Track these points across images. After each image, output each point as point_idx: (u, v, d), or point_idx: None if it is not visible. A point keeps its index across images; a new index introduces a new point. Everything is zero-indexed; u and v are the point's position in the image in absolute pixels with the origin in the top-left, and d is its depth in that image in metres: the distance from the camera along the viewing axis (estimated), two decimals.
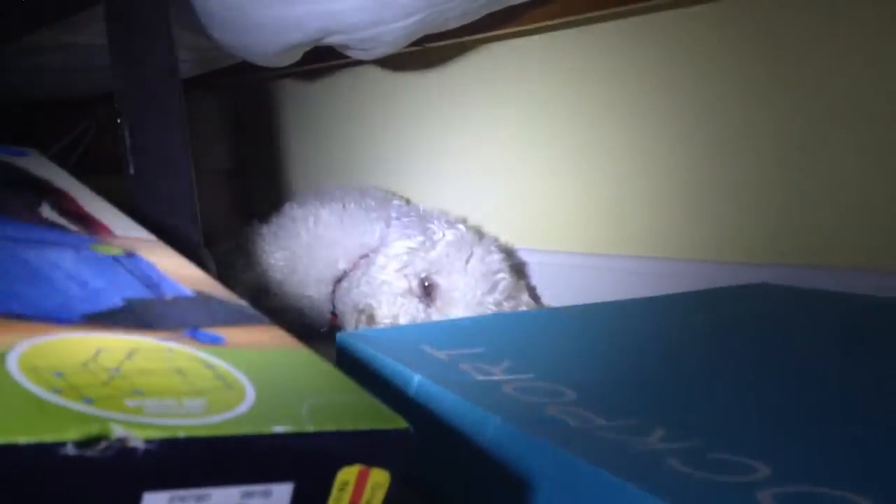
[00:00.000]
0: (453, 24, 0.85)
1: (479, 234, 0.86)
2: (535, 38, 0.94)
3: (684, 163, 0.82)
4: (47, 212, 0.41)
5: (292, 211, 0.95)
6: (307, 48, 0.92)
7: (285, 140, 1.37)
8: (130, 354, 0.26)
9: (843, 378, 0.44)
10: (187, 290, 0.34)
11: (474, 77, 1.02)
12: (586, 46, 0.89)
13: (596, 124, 0.89)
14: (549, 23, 0.87)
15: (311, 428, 0.24)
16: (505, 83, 0.99)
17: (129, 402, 0.22)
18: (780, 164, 0.75)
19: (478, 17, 0.84)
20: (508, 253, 0.89)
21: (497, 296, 0.79)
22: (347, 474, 0.24)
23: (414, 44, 0.90)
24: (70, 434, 0.20)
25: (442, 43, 0.95)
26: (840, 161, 0.71)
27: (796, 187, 0.74)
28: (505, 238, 0.95)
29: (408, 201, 1.01)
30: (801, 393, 0.41)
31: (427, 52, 1.01)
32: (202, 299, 0.33)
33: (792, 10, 0.72)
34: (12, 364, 0.23)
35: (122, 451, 0.20)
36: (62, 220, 0.40)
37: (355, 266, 0.85)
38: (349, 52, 0.93)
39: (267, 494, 0.23)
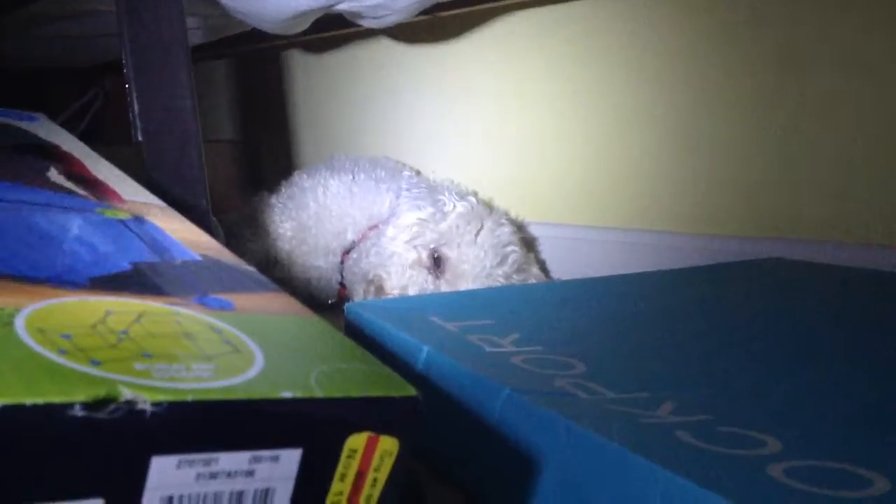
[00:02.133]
0: None
1: (490, 206, 0.86)
2: (549, 7, 0.93)
3: (700, 136, 0.81)
4: (55, 176, 0.40)
5: (301, 181, 0.94)
6: (317, 15, 0.91)
7: (296, 110, 1.36)
8: (139, 318, 0.25)
9: (853, 353, 0.43)
10: (196, 255, 0.34)
11: (487, 47, 1.01)
12: (600, 15, 0.88)
13: (610, 96, 0.89)
14: None
15: (319, 394, 0.24)
16: (517, 53, 0.98)
17: (138, 366, 0.22)
18: (794, 136, 0.74)
19: None
20: (519, 226, 0.88)
21: (506, 268, 0.79)
22: (356, 441, 0.24)
23: (425, 12, 0.89)
24: (78, 396, 0.20)
25: (454, 12, 0.94)
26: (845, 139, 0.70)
27: (809, 162, 0.73)
28: (516, 211, 0.94)
29: (418, 173, 1.01)
30: (811, 367, 0.41)
31: (438, 21, 1.00)
32: (211, 264, 0.33)
33: None
34: (20, 326, 0.23)
35: (131, 414, 0.20)
36: (70, 184, 0.40)
37: (364, 237, 0.85)
38: (360, 21, 0.92)
39: (275, 460, 0.23)
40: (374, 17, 0.88)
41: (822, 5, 0.71)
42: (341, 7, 0.86)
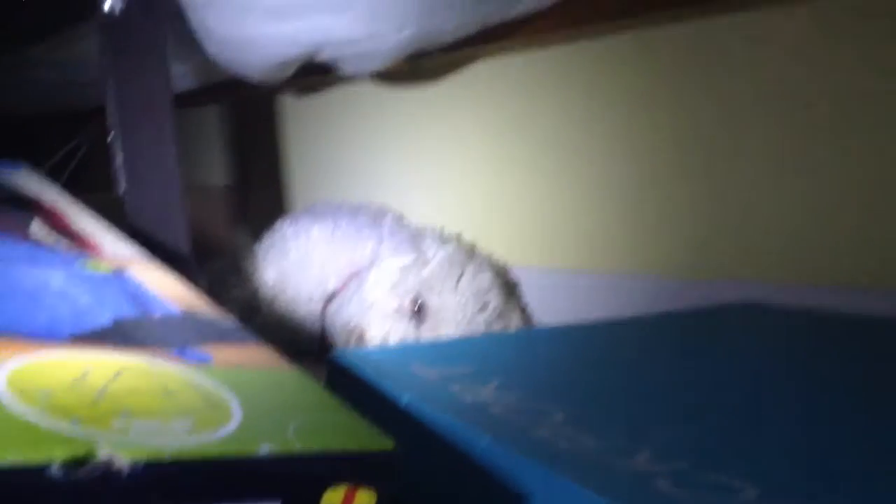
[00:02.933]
0: (447, 39, 0.86)
1: (472, 251, 0.86)
2: (528, 53, 0.94)
3: (680, 182, 0.82)
4: (37, 229, 0.41)
5: (284, 228, 0.95)
6: (300, 63, 0.92)
7: (286, 155, 1.37)
8: (118, 374, 0.26)
9: (829, 398, 0.44)
10: (176, 309, 0.34)
11: (468, 93, 1.03)
12: (582, 62, 0.90)
13: (592, 140, 0.90)
14: (545, 37, 0.88)
15: (297, 448, 0.24)
16: (499, 99, 0.99)
17: (116, 423, 0.22)
18: (770, 182, 0.75)
19: (472, 31, 0.85)
20: (501, 271, 0.89)
21: (488, 315, 0.79)
22: (334, 495, 0.24)
23: (407, 60, 0.91)
24: (56, 455, 0.20)
25: (436, 58, 0.95)
26: (826, 179, 0.71)
27: (783, 206, 0.74)
28: (499, 255, 0.95)
29: (401, 217, 1.01)
30: (788, 413, 0.41)
31: (422, 67, 1.02)
32: (190, 318, 0.33)
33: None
34: None
35: (108, 473, 0.20)
36: (52, 239, 0.40)
37: (346, 284, 0.85)
38: (342, 68, 0.93)
39: None
40: (356, 65, 0.90)
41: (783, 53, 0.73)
42: (324, 55, 0.87)
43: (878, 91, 0.68)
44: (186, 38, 0.85)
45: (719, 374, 0.50)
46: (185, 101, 1.30)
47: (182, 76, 1.13)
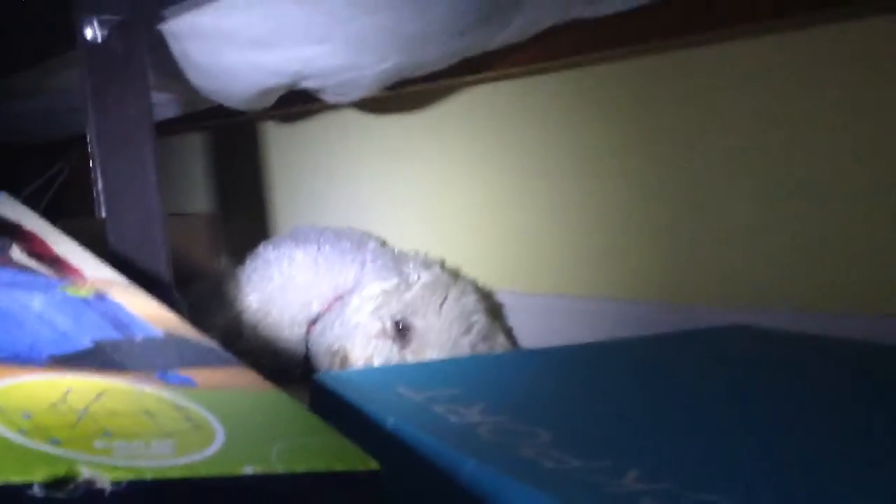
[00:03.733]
0: (428, 69, 0.86)
1: (456, 275, 0.86)
2: (511, 82, 0.95)
3: (662, 207, 0.82)
4: (17, 254, 0.40)
5: (266, 253, 0.95)
6: (281, 92, 0.92)
7: (269, 182, 1.37)
8: (99, 396, 0.25)
9: (816, 421, 0.44)
10: (157, 332, 0.34)
11: (451, 120, 1.03)
12: (562, 91, 0.91)
13: (573, 167, 0.90)
14: (524, 68, 0.89)
15: (280, 469, 0.24)
16: (482, 127, 1.00)
17: (98, 444, 0.22)
18: (767, 209, 0.76)
19: (452, 62, 0.85)
20: (486, 295, 0.89)
21: (472, 337, 0.79)
22: None
23: (389, 88, 0.91)
24: (37, 475, 0.20)
25: (417, 87, 0.96)
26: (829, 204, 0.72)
27: (764, 232, 0.75)
28: (483, 280, 0.95)
29: (384, 242, 1.01)
30: (774, 435, 0.41)
31: (404, 95, 1.02)
32: (172, 341, 0.33)
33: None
34: None
35: (90, 493, 0.20)
36: (32, 263, 0.40)
37: (329, 308, 0.85)
38: (324, 97, 0.94)
39: None
40: (339, 94, 0.90)
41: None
42: (306, 84, 0.88)
43: (862, 116, 0.69)
44: (169, 67, 0.85)
45: (706, 395, 0.50)
46: (168, 128, 1.30)
47: (164, 104, 1.13)
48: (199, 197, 1.52)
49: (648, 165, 0.83)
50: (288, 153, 1.32)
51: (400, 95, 1.02)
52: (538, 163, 0.94)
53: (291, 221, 1.31)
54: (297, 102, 1.03)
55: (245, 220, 1.42)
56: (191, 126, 1.38)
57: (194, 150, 1.53)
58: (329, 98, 0.94)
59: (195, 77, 0.87)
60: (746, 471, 0.36)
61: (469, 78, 0.94)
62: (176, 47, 0.81)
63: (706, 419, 0.44)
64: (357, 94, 0.90)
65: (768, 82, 0.74)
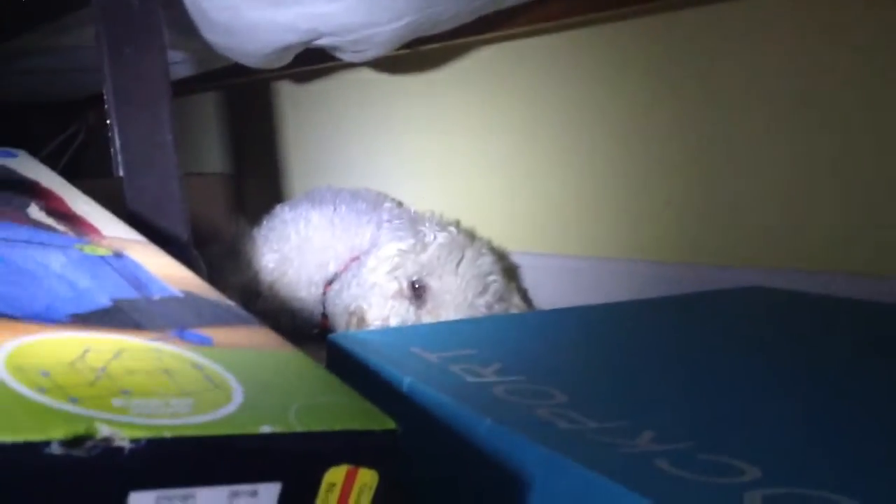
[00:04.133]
0: (445, 27, 0.85)
1: (472, 236, 0.86)
2: (527, 40, 0.94)
3: (679, 166, 0.82)
4: (35, 213, 0.41)
5: (283, 213, 0.95)
6: (298, 50, 0.92)
7: (285, 142, 1.37)
8: (117, 354, 0.26)
9: (832, 380, 0.44)
10: (175, 291, 0.34)
11: (467, 80, 1.02)
12: (578, 49, 0.89)
13: (590, 126, 0.89)
14: (541, 26, 0.88)
15: (298, 428, 0.24)
16: (498, 85, 0.99)
17: (116, 402, 0.22)
18: (764, 168, 0.75)
19: (468, 20, 0.84)
20: (501, 255, 0.88)
21: (488, 298, 0.79)
22: (335, 475, 0.24)
23: (406, 46, 0.90)
24: (56, 433, 0.20)
25: (433, 45, 0.95)
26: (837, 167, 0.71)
27: (777, 192, 0.74)
28: (498, 240, 0.95)
29: (400, 203, 1.01)
30: (791, 395, 0.41)
31: (420, 54, 1.01)
32: (190, 300, 0.33)
33: None
34: None
35: (108, 451, 0.20)
36: (50, 221, 0.40)
37: (346, 268, 0.85)
38: (340, 55, 0.93)
39: (254, 494, 0.23)
40: (354, 52, 0.89)
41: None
42: (322, 42, 0.87)
43: (876, 81, 0.68)
44: (184, 24, 0.84)
45: (721, 356, 0.50)
46: (185, 88, 1.29)
47: (181, 63, 1.13)
48: (215, 157, 1.52)
49: (662, 127, 0.82)
50: (304, 113, 1.32)
51: (416, 54, 1.01)
52: (555, 123, 0.93)
53: (308, 182, 1.31)
54: (314, 61, 1.02)
55: (262, 180, 1.42)
56: (207, 85, 1.38)
57: (211, 110, 1.52)
58: (345, 56, 0.93)
59: (210, 34, 0.87)
60: (762, 431, 0.36)
61: (486, 36, 0.93)
62: (191, 4, 0.80)
63: (721, 380, 0.44)
64: (373, 53, 0.89)
65: (796, 42, 0.72)
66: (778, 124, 0.74)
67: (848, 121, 0.70)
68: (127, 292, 0.32)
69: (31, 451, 0.19)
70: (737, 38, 0.76)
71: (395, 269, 0.78)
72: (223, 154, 1.51)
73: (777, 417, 0.38)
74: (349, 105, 1.22)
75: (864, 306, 0.62)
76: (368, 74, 1.16)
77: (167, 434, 0.21)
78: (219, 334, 0.30)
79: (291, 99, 1.34)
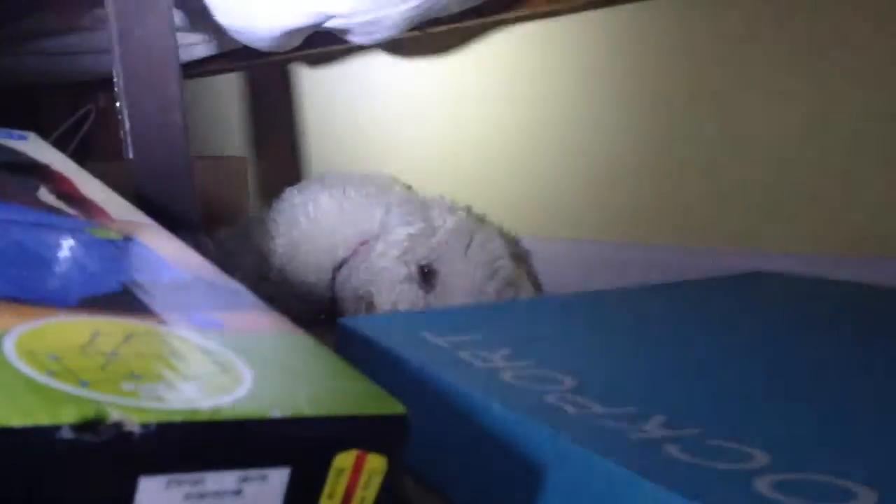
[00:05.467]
0: (455, 9, 0.85)
1: (481, 221, 0.86)
2: (541, 22, 0.93)
3: (691, 151, 0.81)
4: (45, 195, 0.41)
5: (292, 197, 0.95)
6: (307, 33, 0.91)
7: (301, 125, 1.36)
8: (127, 338, 0.26)
9: (842, 366, 0.44)
10: (185, 275, 0.34)
11: (481, 62, 1.02)
12: (589, 32, 0.89)
13: (601, 111, 0.89)
14: (556, 6, 0.87)
15: (308, 413, 0.24)
16: (511, 69, 0.98)
17: (126, 386, 0.22)
18: (779, 151, 0.74)
19: (479, 1, 0.84)
20: (511, 240, 0.88)
21: (497, 283, 0.79)
22: (344, 460, 0.24)
23: (416, 28, 0.90)
24: (66, 417, 0.20)
25: (443, 28, 0.94)
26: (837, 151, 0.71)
27: (789, 177, 0.74)
28: (508, 225, 0.94)
29: (409, 188, 1.01)
30: (800, 381, 0.41)
31: (432, 36, 1.01)
32: (200, 283, 0.33)
33: None
34: (8, 347, 0.23)
35: (118, 435, 0.20)
36: (60, 204, 0.40)
37: (355, 253, 0.85)
38: (350, 37, 0.93)
39: (263, 479, 0.23)
40: (364, 34, 0.89)
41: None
42: (331, 24, 0.87)
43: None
44: (198, 6, 0.84)
45: (730, 341, 0.50)
46: (198, 70, 1.29)
47: (195, 45, 1.13)
48: (228, 140, 1.52)
49: (674, 110, 0.82)
50: (318, 96, 1.32)
51: (428, 37, 1.01)
52: (567, 107, 0.92)
53: (321, 165, 1.31)
54: (326, 44, 1.02)
55: (275, 163, 1.42)
56: (221, 68, 1.37)
57: (224, 93, 1.52)
58: (355, 39, 0.93)
59: (221, 16, 0.87)
60: (771, 417, 0.36)
61: (499, 17, 0.92)
62: None
63: (731, 365, 0.44)
64: (383, 35, 0.89)
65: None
66: (796, 101, 0.74)
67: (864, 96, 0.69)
68: (137, 276, 0.32)
69: (42, 436, 0.19)
70: (754, 18, 0.76)
71: (404, 253, 0.78)
72: (237, 136, 1.51)
73: (786, 403, 0.38)
74: (361, 88, 1.22)
75: (876, 290, 0.62)
76: (381, 57, 1.15)
77: (177, 419, 0.21)
78: (228, 318, 0.30)
79: (306, 82, 1.34)
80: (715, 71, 0.79)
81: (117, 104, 0.69)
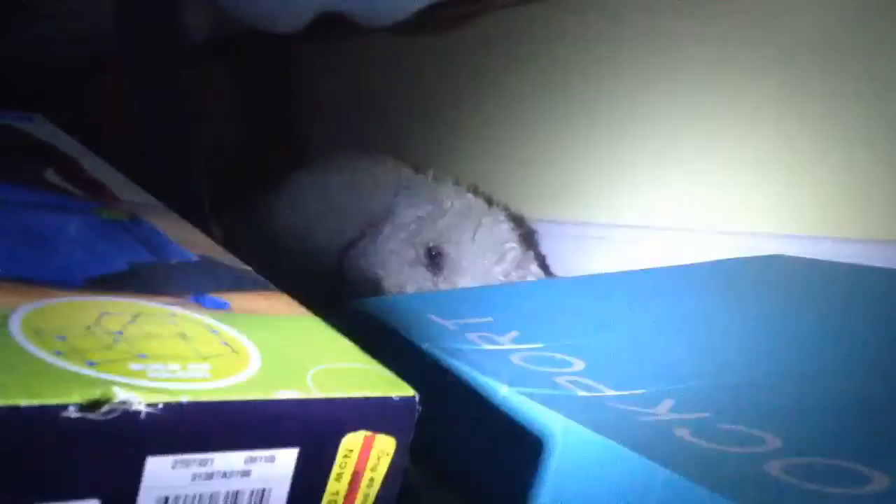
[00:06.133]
0: None
1: (489, 202, 0.86)
2: (542, 4, 0.93)
3: (703, 127, 0.81)
4: (52, 176, 0.40)
5: (300, 179, 0.94)
6: (313, 15, 0.91)
7: (304, 108, 1.36)
8: (134, 318, 0.25)
9: (855, 350, 0.43)
10: (192, 255, 0.34)
11: (487, 43, 1.01)
12: (593, 13, 0.88)
13: (603, 91, 0.88)
14: None
15: (316, 393, 0.24)
16: (517, 49, 0.98)
17: (133, 366, 0.22)
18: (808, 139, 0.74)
19: None
20: (519, 222, 0.88)
21: (505, 265, 0.79)
22: (353, 441, 0.24)
23: (423, 11, 0.89)
24: (73, 397, 0.20)
25: (453, 9, 0.94)
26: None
27: (810, 159, 0.73)
28: (516, 207, 0.94)
29: (417, 169, 1.01)
30: (812, 364, 0.41)
31: (439, 18, 1.00)
32: (207, 264, 0.33)
33: None
34: (15, 327, 0.23)
35: (125, 415, 0.20)
36: (67, 185, 0.40)
37: (362, 235, 0.85)
38: (356, 20, 0.92)
39: (271, 460, 0.23)
40: (369, 17, 0.88)
41: None
42: (336, 6, 0.86)
43: None
44: None
45: (742, 325, 0.49)
46: (205, 53, 1.29)
47: (200, 28, 1.12)
48: (232, 122, 1.52)
49: (678, 83, 0.81)
50: (324, 78, 1.31)
51: (434, 19, 1.00)
52: (573, 87, 0.92)
53: (327, 148, 1.30)
54: (331, 27, 1.01)
55: (280, 145, 1.42)
56: (225, 51, 1.37)
57: (228, 76, 1.51)
58: (361, 22, 0.92)
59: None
60: (783, 401, 0.35)
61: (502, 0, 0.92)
62: None
63: (742, 349, 0.44)
64: (389, 19, 0.88)
65: None
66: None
67: None
68: (143, 256, 0.32)
69: (48, 415, 0.19)
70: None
71: (411, 235, 0.77)
72: (243, 119, 1.50)
73: (798, 387, 0.37)
74: (369, 70, 1.21)
75: (891, 274, 0.61)
76: (388, 39, 1.15)
77: (184, 398, 0.21)
78: (236, 299, 0.30)
79: (312, 64, 1.33)
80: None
81: (123, 86, 0.69)
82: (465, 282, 0.76)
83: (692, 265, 0.67)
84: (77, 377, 0.21)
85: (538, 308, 0.54)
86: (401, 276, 0.76)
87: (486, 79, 1.02)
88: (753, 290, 0.59)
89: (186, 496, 0.22)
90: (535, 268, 0.84)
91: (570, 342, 0.44)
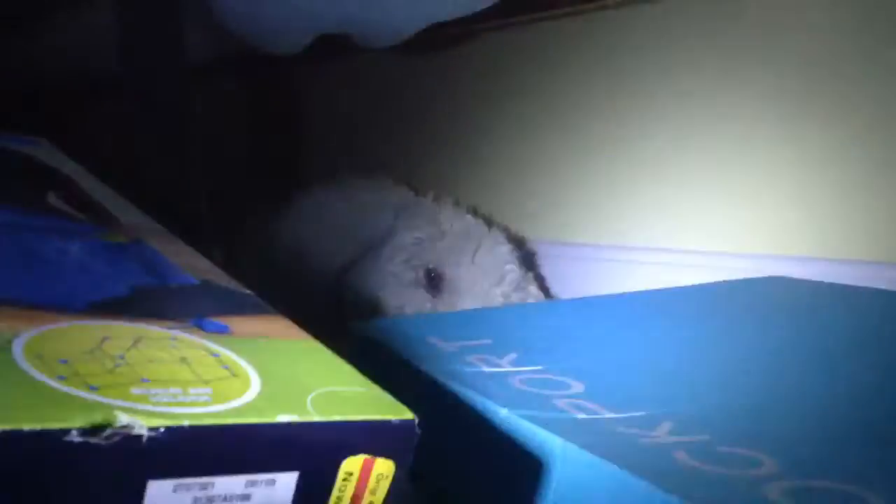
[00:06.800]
0: (461, 13, 0.85)
1: (489, 224, 0.86)
2: (547, 24, 0.94)
3: (702, 149, 0.81)
4: (54, 200, 0.41)
5: (300, 200, 0.95)
6: (314, 36, 0.91)
7: (305, 128, 1.37)
8: (136, 342, 0.26)
9: (854, 373, 0.43)
10: (193, 279, 0.34)
11: (486, 64, 1.02)
12: (590, 34, 0.89)
13: (605, 113, 0.89)
14: (548, 13, 0.87)
15: (316, 417, 0.24)
16: (518, 70, 0.98)
17: (134, 390, 0.22)
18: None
19: (487, 4, 0.84)
20: (518, 243, 0.88)
21: (505, 287, 0.79)
22: (352, 464, 0.24)
23: (424, 31, 0.90)
24: (75, 421, 0.20)
25: (449, 31, 0.94)
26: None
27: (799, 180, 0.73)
28: (516, 229, 0.94)
29: (417, 191, 1.01)
30: (811, 387, 0.41)
31: (439, 39, 1.01)
32: (208, 288, 0.33)
33: None
34: (17, 351, 0.23)
35: (127, 439, 0.20)
36: (69, 209, 0.40)
37: (362, 256, 0.85)
38: (356, 41, 0.93)
39: (271, 483, 0.23)
40: (370, 38, 0.89)
41: None
42: (336, 28, 0.87)
43: None
44: (202, 9, 0.84)
45: (741, 347, 0.49)
46: (208, 72, 1.29)
47: (202, 47, 1.13)
48: (234, 143, 1.53)
49: (675, 109, 0.82)
50: (324, 100, 1.32)
51: (434, 40, 1.01)
52: (573, 107, 0.92)
53: (327, 169, 1.31)
54: (332, 48, 1.02)
55: (282, 167, 1.42)
56: (227, 70, 1.38)
57: (230, 96, 1.52)
58: (361, 43, 0.93)
59: (226, 19, 0.87)
60: (782, 424, 0.35)
61: (506, 20, 0.92)
62: None
63: (741, 371, 0.44)
64: (389, 40, 0.89)
65: None
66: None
67: None
68: (145, 280, 0.32)
69: (51, 439, 0.20)
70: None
71: (411, 257, 0.78)
72: (244, 139, 1.51)
73: (795, 409, 0.37)
74: (370, 90, 1.22)
75: (887, 295, 0.61)
76: (389, 59, 1.15)
77: (185, 422, 0.21)
78: (236, 323, 0.30)
79: (315, 86, 1.34)
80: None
81: (125, 107, 0.69)
82: (464, 303, 0.76)
83: (691, 287, 0.67)
84: (79, 401, 0.21)
85: (537, 330, 0.54)
86: (400, 298, 0.76)
87: (487, 100, 1.03)
88: (753, 311, 0.59)
89: None
90: (534, 289, 0.84)
91: (569, 364, 0.44)
